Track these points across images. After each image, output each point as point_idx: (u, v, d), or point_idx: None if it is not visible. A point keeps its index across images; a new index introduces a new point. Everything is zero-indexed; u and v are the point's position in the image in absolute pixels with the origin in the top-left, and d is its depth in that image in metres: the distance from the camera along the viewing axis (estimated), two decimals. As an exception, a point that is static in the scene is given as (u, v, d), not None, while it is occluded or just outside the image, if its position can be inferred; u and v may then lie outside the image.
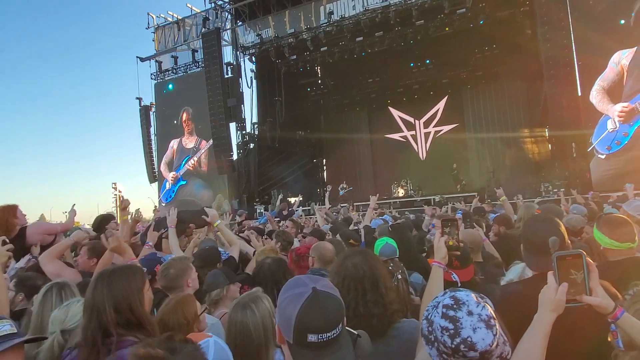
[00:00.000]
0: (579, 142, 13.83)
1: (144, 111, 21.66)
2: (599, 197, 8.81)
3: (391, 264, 2.78)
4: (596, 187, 11.91)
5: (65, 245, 3.49)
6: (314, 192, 21.40)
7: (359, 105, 22.15)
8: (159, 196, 20.92)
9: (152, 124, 21.78)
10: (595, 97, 13.01)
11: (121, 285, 1.73)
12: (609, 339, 1.41)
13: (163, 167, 21.02)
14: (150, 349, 1.15)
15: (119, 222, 3.68)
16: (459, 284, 2.32)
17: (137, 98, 21.66)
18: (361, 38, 17.38)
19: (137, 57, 21.54)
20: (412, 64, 20.20)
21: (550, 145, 17.17)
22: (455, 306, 1.23)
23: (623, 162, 12.30)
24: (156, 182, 21.38)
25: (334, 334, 1.15)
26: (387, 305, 1.82)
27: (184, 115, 20.51)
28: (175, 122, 20.74)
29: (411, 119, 21.02)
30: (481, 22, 16.51)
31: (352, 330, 1.48)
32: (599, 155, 12.89)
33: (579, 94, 13.33)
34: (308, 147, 21.79)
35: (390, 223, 5.70)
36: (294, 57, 18.90)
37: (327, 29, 17.06)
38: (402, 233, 3.60)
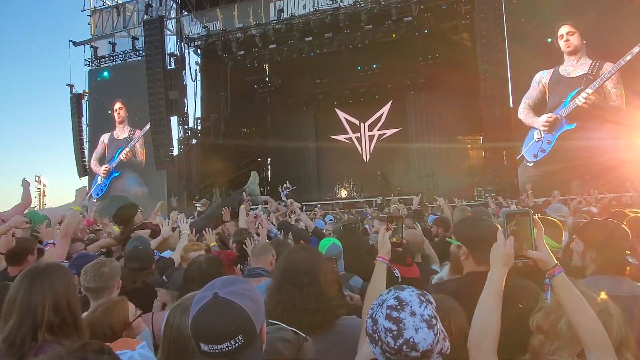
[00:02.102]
0: (509, 152, 14.94)
1: (76, 99, 20.13)
2: (525, 203, 9.49)
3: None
4: (523, 192, 12.83)
5: None
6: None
7: (305, 105, 22.17)
8: (90, 191, 19.46)
9: (84, 113, 20.30)
10: (522, 113, 14.23)
11: (61, 283, 1.61)
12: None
13: (94, 163, 19.61)
14: None
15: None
16: (400, 280, 2.36)
17: (68, 85, 20.15)
18: (310, 38, 17.41)
19: (69, 40, 20.04)
20: (359, 67, 20.55)
21: (484, 153, 18.24)
22: (398, 307, 1.23)
23: (547, 169, 13.46)
24: (87, 176, 19.91)
25: (227, 346, 1.05)
26: (328, 301, 1.81)
27: (116, 105, 19.23)
28: (109, 112, 19.47)
29: (356, 121, 21.41)
30: (425, 31, 17.15)
31: (300, 333, 1.42)
32: (527, 163, 14.04)
33: (511, 105, 14.32)
34: (253, 145, 21.40)
35: (330, 222, 5.79)
36: (242, 52, 18.50)
37: (277, 26, 16.91)
38: (353, 233, 3.61)
